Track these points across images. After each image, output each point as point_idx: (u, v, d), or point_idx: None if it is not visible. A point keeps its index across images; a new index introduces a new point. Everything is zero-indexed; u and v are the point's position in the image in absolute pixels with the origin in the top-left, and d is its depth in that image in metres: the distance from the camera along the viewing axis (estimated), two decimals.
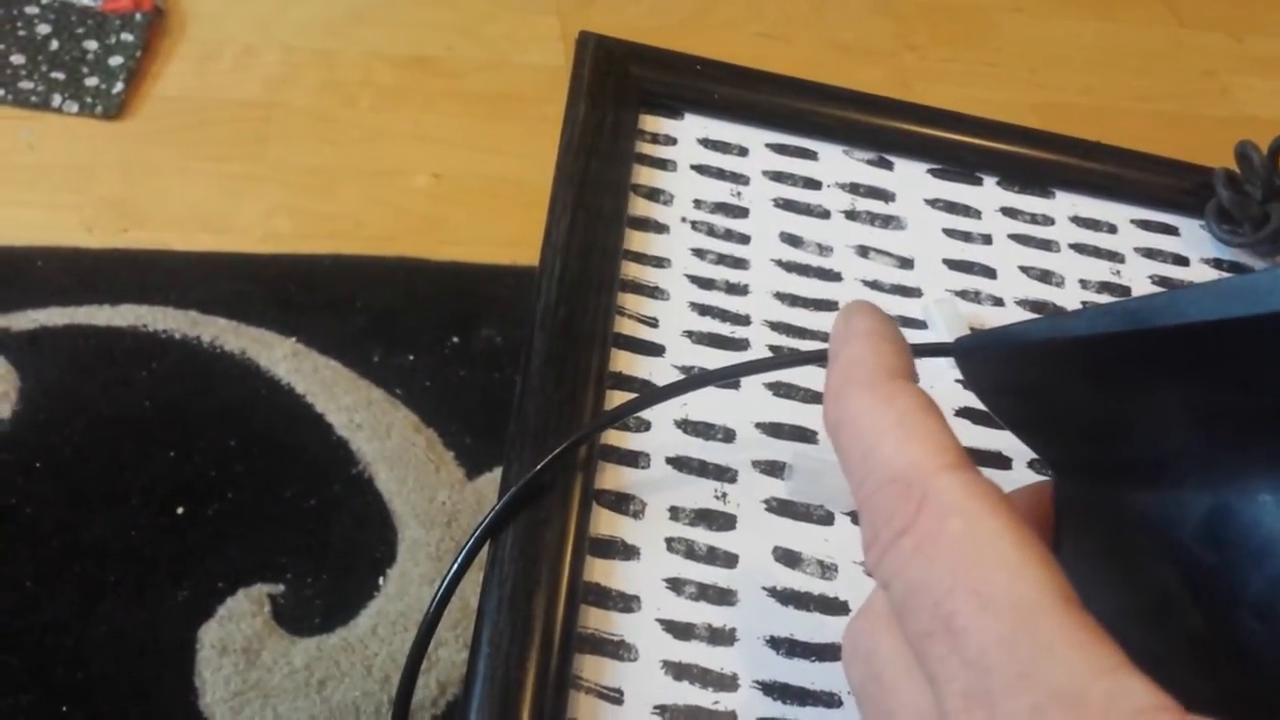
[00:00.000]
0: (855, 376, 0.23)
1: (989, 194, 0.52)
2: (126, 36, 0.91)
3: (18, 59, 0.88)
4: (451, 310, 0.83)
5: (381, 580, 0.70)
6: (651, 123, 0.51)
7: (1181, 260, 0.51)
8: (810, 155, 0.51)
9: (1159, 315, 0.20)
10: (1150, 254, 0.51)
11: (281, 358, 0.79)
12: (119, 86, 0.88)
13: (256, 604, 0.69)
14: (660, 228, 0.48)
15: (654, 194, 0.49)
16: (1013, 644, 0.18)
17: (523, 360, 0.43)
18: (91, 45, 0.90)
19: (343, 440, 0.76)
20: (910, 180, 0.51)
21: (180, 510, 0.71)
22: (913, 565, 0.20)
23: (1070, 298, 0.49)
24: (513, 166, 0.92)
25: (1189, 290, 0.19)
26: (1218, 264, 0.51)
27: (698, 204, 0.49)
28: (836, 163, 0.51)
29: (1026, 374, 0.24)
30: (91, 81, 0.88)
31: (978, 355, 0.25)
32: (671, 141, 0.51)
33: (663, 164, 0.50)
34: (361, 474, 0.74)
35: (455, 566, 0.38)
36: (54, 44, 0.90)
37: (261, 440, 0.75)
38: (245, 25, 0.97)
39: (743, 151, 0.51)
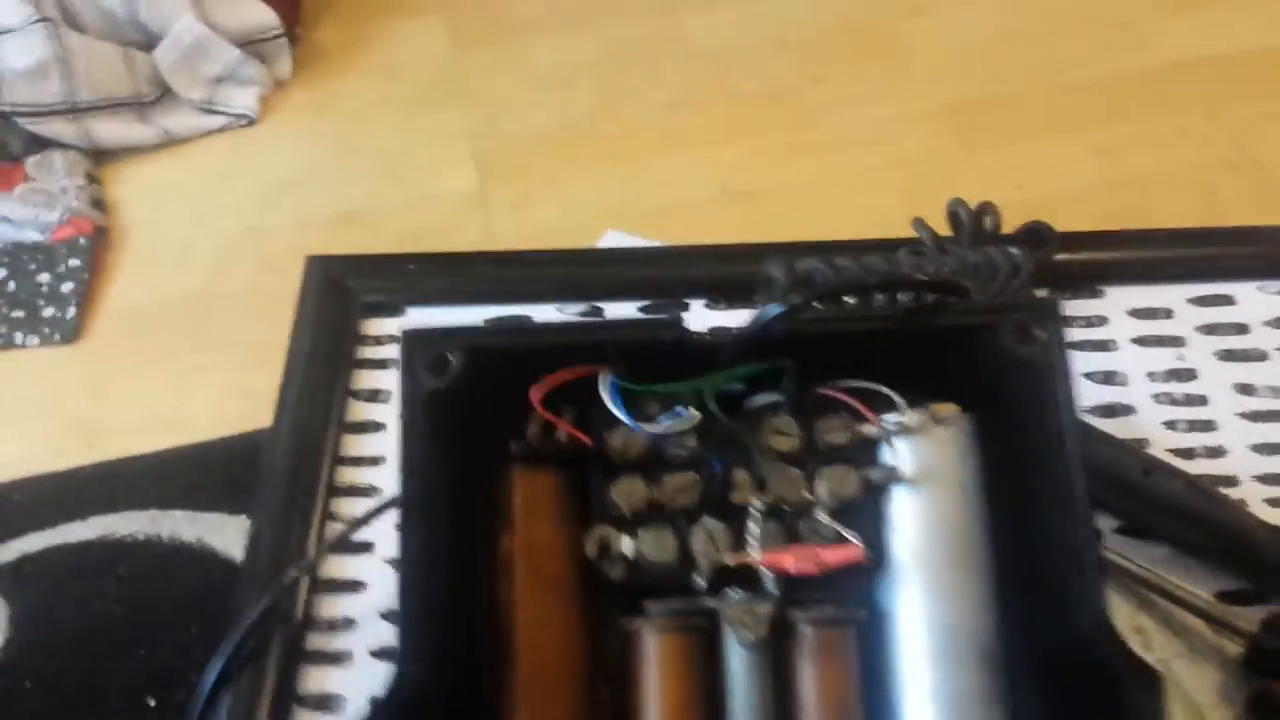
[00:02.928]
0: None
1: (697, 316, 0.54)
2: (74, 262, 1.00)
3: None
4: None
5: None
6: (374, 326, 0.55)
7: None
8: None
9: None
10: None
11: (232, 537, 0.85)
12: (72, 311, 0.97)
13: None
14: (377, 427, 0.52)
15: (373, 395, 0.53)
16: None
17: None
18: (45, 278, 0.99)
19: None
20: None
21: (151, 702, 0.78)
22: None
23: None
24: None
25: None
26: None
27: None
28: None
29: None
30: (48, 312, 0.97)
31: None
32: (394, 340, 0.54)
33: (383, 364, 0.54)
34: None
35: None
36: (11, 285, 0.99)
37: (220, 623, 0.81)
38: (180, 223, 1.05)
39: None
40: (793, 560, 0.35)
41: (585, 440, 0.35)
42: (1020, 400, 0.36)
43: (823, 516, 0.36)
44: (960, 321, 0.36)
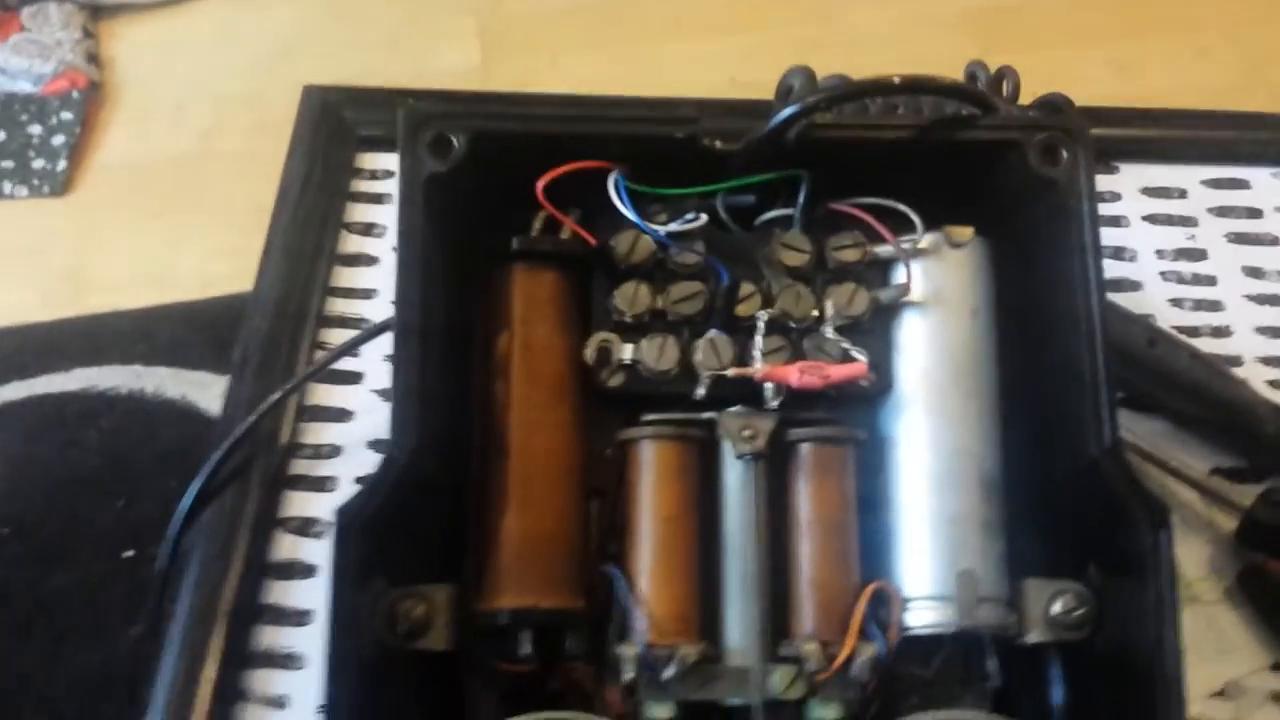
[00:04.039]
0: None
1: None
2: (66, 115, 0.98)
3: None
4: None
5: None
6: (370, 160, 0.54)
7: None
8: None
9: None
10: None
11: (217, 396, 0.84)
12: (62, 164, 0.95)
13: None
14: (371, 260, 0.51)
15: (368, 229, 0.52)
16: None
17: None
18: (35, 130, 0.97)
19: None
20: None
21: (129, 553, 0.77)
22: None
23: None
24: None
25: None
26: None
27: None
28: None
29: None
30: (38, 164, 0.95)
31: None
32: (391, 175, 0.53)
33: (379, 198, 0.52)
34: None
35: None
36: (1, 135, 0.97)
37: None
38: (177, 82, 1.02)
39: None
40: (797, 373, 0.34)
41: (589, 239, 0.34)
42: (1040, 223, 0.35)
43: (829, 333, 0.35)
44: (984, 137, 0.34)
